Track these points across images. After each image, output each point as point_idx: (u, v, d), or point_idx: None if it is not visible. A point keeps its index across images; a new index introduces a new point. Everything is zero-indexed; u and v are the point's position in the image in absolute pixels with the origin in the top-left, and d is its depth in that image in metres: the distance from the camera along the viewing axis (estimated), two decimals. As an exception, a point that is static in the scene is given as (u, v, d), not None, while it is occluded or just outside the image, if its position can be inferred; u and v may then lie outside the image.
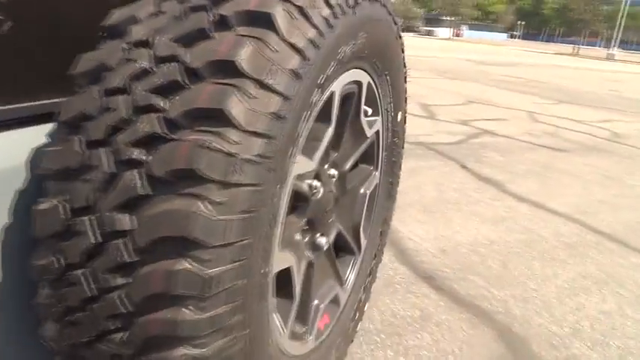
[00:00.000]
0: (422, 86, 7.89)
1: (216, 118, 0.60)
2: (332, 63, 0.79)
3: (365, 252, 1.33)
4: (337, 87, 0.90)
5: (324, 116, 0.90)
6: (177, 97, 0.62)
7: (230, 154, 0.59)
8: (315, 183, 0.95)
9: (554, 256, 2.34)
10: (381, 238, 1.42)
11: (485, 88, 8.63)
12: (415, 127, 4.80)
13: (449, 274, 2.05)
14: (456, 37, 57.44)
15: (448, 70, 11.27)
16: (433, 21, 69.11)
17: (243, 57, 0.61)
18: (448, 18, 67.77)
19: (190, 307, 0.59)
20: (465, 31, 69.80)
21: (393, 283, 1.92)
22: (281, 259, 0.85)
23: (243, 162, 0.61)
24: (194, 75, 0.62)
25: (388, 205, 1.43)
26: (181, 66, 0.62)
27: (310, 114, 0.75)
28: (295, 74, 0.67)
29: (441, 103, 6.42)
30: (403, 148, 1.41)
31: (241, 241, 0.63)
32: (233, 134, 0.60)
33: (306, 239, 1.03)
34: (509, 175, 3.52)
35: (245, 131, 0.61)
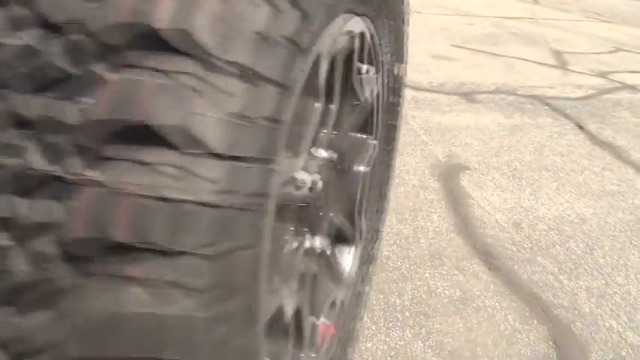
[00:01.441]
0: (561, 29, 6.86)
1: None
2: None
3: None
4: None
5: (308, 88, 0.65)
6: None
7: None
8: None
9: (664, 246, 1.90)
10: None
11: (646, 33, 7.24)
12: (535, 78, 4.19)
13: (514, 252, 1.77)
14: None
15: (602, 11, 9.65)
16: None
17: None
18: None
19: None
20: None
21: (441, 256, 1.71)
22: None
23: None
24: None
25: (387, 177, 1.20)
26: None
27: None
28: None
29: (579, 50, 5.52)
30: (402, 106, 1.16)
31: None
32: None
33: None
34: (636, 140, 2.92)
35: None
